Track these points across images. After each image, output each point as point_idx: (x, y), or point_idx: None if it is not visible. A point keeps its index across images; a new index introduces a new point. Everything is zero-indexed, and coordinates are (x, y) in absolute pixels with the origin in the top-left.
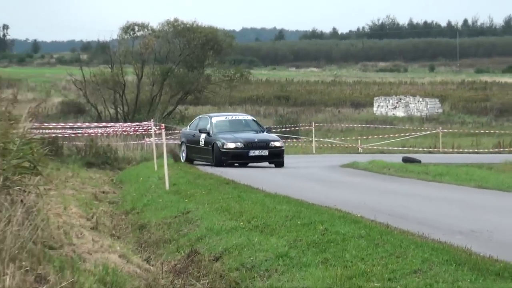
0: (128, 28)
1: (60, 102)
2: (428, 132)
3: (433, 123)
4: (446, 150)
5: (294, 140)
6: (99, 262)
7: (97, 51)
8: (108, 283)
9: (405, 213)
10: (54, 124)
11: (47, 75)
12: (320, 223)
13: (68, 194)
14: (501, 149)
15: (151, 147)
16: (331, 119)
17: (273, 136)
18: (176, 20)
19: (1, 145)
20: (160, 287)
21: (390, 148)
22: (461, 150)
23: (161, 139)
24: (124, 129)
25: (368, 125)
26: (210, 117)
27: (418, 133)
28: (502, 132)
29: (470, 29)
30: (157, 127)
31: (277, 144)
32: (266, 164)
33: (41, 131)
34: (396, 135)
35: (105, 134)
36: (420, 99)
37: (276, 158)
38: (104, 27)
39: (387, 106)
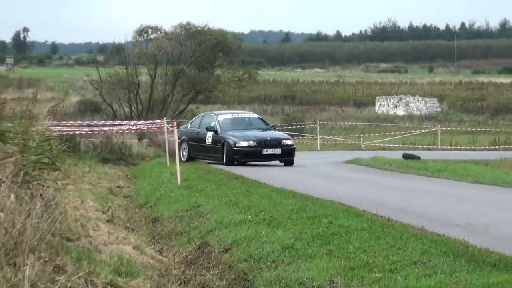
0: (142, 31)
1: (77, 101)
2: (427, 130)
3: (432, 121)
4: (444, 147)
5: (300, 137)
6: (114, 253)
7: (113, 52)
8: (122, 273)
9: (405, 207)
10: (71, 122)
11: (65, 76)
12: (325, 216)
13: (85, 189)
14: (497, 147)
15: (164, 144)
16: (335, 118)
17: (283, 134)
18: (188, 23)
19: (22, 142)
20: (172, 277)
21: (391, 145)
22: (458, 147)
23: (173, 136)
24: (138, 126)
25: (370, 123)
26: (216, 115)
27: (417, 131)
28: (498, 130)
29: (467, 32)
30: (170, 125)
31: (289, 142)
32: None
33: (59, 128)
34: (397, 132)
35: (120, 131)
36: (420, 99)
37: (288, 156)
38: (119, 30)
39: (388, 105)
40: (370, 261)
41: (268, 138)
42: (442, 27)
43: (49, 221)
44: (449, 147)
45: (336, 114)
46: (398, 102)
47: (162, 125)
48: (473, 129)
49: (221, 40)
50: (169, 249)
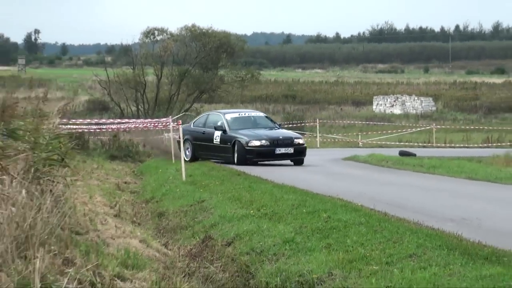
0: (148, 33)
1: (86, 100)
2: (423, 128)
3: (427, 120)
4: (439, 144)
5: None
6: (121, 247)
7: (121, 53)
8: (129, 266)
9: (401, 202)
10: (80, 120)
11: (74, 76)
12: (324, 211)
13: (93, 184)
14: (490, 144)
15: (169, 141)
16: (334, 116)
17: (293, 133)
18: (193, 25)
19: (32, 139)
20: (177, 270)
21: (388, 142)
22: (453, 144)
23: (178, 134)
24: (144, 125)
25: (367, 122)
26: (223, 114)
27: (413, 129)
28: (491, 128)
29: (462, 34)
30: (175, 123)
31: (300, 141)
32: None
33: (68, 126)
34: (394, 131)
35: (127, 129)
36: (416, 98)
37: (299, 155)
38: (127, 32)
39: (385, 104)
40: (368, 254)
41: (281, 137)
42: (437, 29)
43: (59, 215)
44: (443, 144)
45: (335, 113)
46: (394, 101)
47: (167, 123)
48: (467, 127)
49: (225, 42)
50: (174, 243)
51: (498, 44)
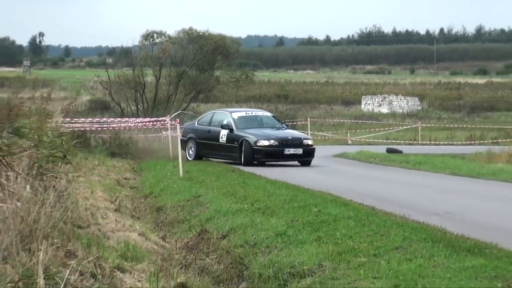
0: (148, 36)
1: (88, 100)
2: (409, 127)
3: (413, 118)
4: (424, 142)
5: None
6: (121, 240)
7: (121, 55)
8: (129, 258)
9: (388, 197)
10: (83, 119)
11: (77, 77)
12: (314, 205)
13: (95, 180)
14: (473, 142)
15: (167, 139)
16: (324, 115)
17: (302, 133)
18: (190, 28)
19: (37, 137)
20: (174, 262)
21: (376, 140)
22: (437, 142)
23: (176, 132)
24: (143, 123)
25: (356, 120)
26: (230, 112)
27: (400, 127)
28: (473, 126)
29: (446, 37)
30: (173, 122)
31: (309, 142)
32: None
33: (71, 125)
34: (381, 129)
35: (127, 128)
36: (402, 98)
37: (308, 156)
38: (127, 35)
39: (373, 104)
40: (356, 246)
41: (290, 137)
42: (422, 32)
43: (61, 210)
44: (428, 142)
45: (325, 112)
46: (382, 101)
47: (166, 122)
48: (451, 125)
49: (221, 44)
50: (171, 236)
51: (481, 46)
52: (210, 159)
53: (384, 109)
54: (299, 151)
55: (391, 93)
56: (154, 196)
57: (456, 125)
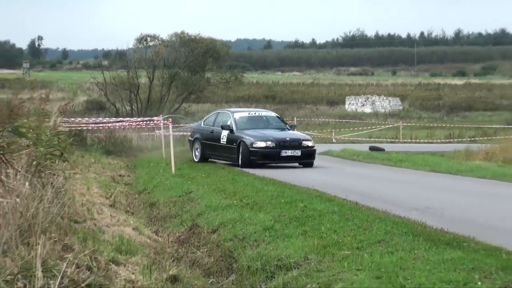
0: (142, 39)
1: (85, 100)
2: (391, 126)
3: (395, 118)
4: (405, 140)
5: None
6: (116, 234)
7: (116, 58)
8: (123, 251)
9: (371, 193)
10: (79, 118)
11: (74, 78)
12: (300, 201)
13: (91, 177)
14: (451, 140)
15: (160, 138)
16: (310, 115)
17: (303, 134)
18: (182, 32)
19: (35, 136)
20: (166, 255)
21: (359, 138)
22: (418, 140)
23: (169, 131)
24: (137, 123)
25: (341, 120)
26: (232, 113)
27: (382, 126)
28: (452, 125)
29: (426, 40)
30: (165, 121)
31: (309, 143)
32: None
33: (68, 124)
34: (364, 128)
35: (122, 127)
36: (384, 98)
37: (307, 158)
38: (122, 38)
39: (357, 104)
40: (340, 240)
41: (288, 138)
42: (404, 35)
43: (59, 205)
44: (409, 140)
45: (311, 112)
46: (365, 101)
47: (159, 121)
48: (431, 124)
49: (211, 47)
50: (164, 230)
51: (459, 49)
52: (214, 161)
53: (367, 109)
54: (297, 153)
55: (373, 94)
56: (147, 192)
57: (435, 124)
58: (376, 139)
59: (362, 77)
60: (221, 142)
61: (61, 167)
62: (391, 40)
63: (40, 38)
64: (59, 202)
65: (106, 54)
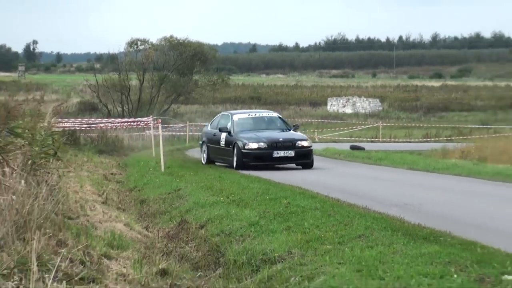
0: (132, 43)
1: (78, 102)
2: (371, 126)
3: (375, 118)
4: (384, 139)
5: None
6: (108, 229)
7: (108, 61)
8: (115, 246)
9: (352, 190)
10: (73, 119)
11: (67, 81)
12: (284, 198)
13: (84, 175)
14: (428, 139)
15: (150, 137)
16: (293, 115)
17: (299, 134)
18: (171, 36)
19: (30, 136)
20: (156, 249)
21: (341, 138)
22: (396, 139)
23: (158, 131)
24: (128, 123)
25: (323, 120)
26: (232, 115)
27: (362, 126)
28: (429, 125)
29: (404, 44)
30: (155, 122)
31: (305, 143)
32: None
33: (62, 125)
34: (345, 128)
35: (113, 127)
36: (364, 99)
37: (303, 159)
38: (113, 42)
39: (338, 105)
40: (322, 235)
41: (281, 139)
42: (383, 39)
43: (53, 202)
44: (388, 139)
45: (294, 112)
46: (346, 102)
47: (149, 122)
48: (409, 124)
49: (199, 51)
50: (154, 226)
51: (436, 52)
52: (194, 154)
53: (348, 110)
54: (291, 153)
55: (354, 95)
56: (138, 189)
57: (413, 124)
58: (357, 139)
59: (343, 79)
60: (221, 144)
61: (55, 165)
62: (371, 44)
63: (35, 42)
64: (53, 199)
65: (98, 57)
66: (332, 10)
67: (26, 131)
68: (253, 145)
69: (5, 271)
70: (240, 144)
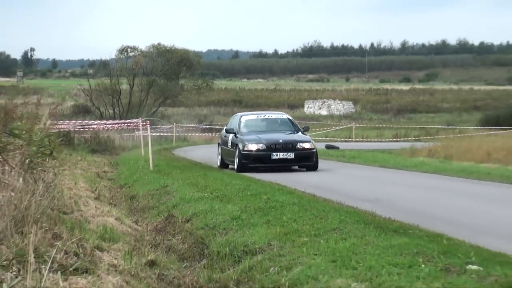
0: (123, 50)
1: (72, 105)
2: (344, 126)
3: (348, 119)
4: (357, 139)
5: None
6: (100, 223)
7: (100, 67)
8: (106, 239)
9: (327, 186)
10: (67, 121)
11: (62, 85)
12: (264, 193)
13: (77, 173)
14: (398, 139)
15: (139, 138)
16: None
17: (302, 136)
18: (159, 44)
19: (28, 137)
20: (145, 242)
21: (317, 138)
22: (368, 139)
23: (147, 132)
24: (119, 125)
25: (300, 121)
26: (240, 116)
27: (337, 127)
28: (399, 126)
29: (376, 50)
30: (144, 123)
31: (306, 145)
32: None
33: (57, 126)
34: (321, 128)
35: (105, 128)
36: (339, 102)
37: (304, 161)
38: (105, 49)
39: (314, 107)
40: (300, 228)
41: (280, 140)
42: (356, 46)
43: (49, 198)
44: (361, 139)
45: None
46: (322, 104)
47: (138, 123)
48: (380, 125)
49: (185, 57)
50: (143, 220)
51: (405, 58)
52: (179, 153)
53: (324, 112)
54: (290, 155)
55: (329, 98)
56: (128, 186)
57: (384, 125)
58: (332, 138)
59: (319, 83)
60: (228, 146)
61: (51, 164)
62: (344, 50)
63: (32, 49)
64: (49, 196)
65: (91, 63)
66: (308, 19)
67: (24, 132)
68: (252, 147)
69: (4, 262)
70: (240, 145)
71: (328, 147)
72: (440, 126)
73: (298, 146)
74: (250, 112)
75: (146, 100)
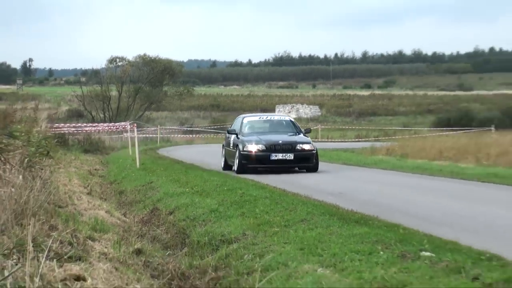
0: (112, 60)
1: (67, 109)
2: (311, 128)
3: (315, 122)
4: (323, 140)
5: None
6: (92, 216)
7: (92, 75)
8: (98, 230)
9: (295, 181)
10: (62, 124)
11: (58, 92)
12: (239, 189)
13: (71, 171)
14: (360, 139)
15: (127, 139)
16: None
17: (303, 138)
18: (145, 54)
19: (26, 138)
20: (132, 232)
21: None
22: (333, 139)
23: (134, 134)
24: (109, 127)
25: None
26: (243, 118)
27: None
28: (360, 128)
29: (339, 59)
30: (131, 126)
31: (306, 147)
32: (208, 149)
33: (53, 129)
34: None
35: (96, 130)
36: (306, 106)
37: (303, 162)
38: (96, 59)
39: (285, 111)
40: (271, 219)
41: (280, 141)
42: (321, 56)
43: (46, 194)
44: (326, 139)
45: None
46: (291, 108)
47: (126, 126)
48: (343, 127)
49: (168, 66)
50: (130, 213)
51: (366, 67)
52: (163, 152)
53: (293, 115)
54: (290, 156)
55: (298, 103)
56: (117, 182)
57: (347, 127)
58: None
59: (289, 89)
60: (230, 147)
61: (48, 163)
62: (311, 60)
63: (30, 60)
64: (46, 191)
65: (84, 72)
66: (279, 32)
67: (23, 134)
68: (252, 147)
69: (5, 251)
70: (240, 146)
71: None
72: (397, 128)
73: (298, 147)
74: (253, 114)
75: (133, 105)
